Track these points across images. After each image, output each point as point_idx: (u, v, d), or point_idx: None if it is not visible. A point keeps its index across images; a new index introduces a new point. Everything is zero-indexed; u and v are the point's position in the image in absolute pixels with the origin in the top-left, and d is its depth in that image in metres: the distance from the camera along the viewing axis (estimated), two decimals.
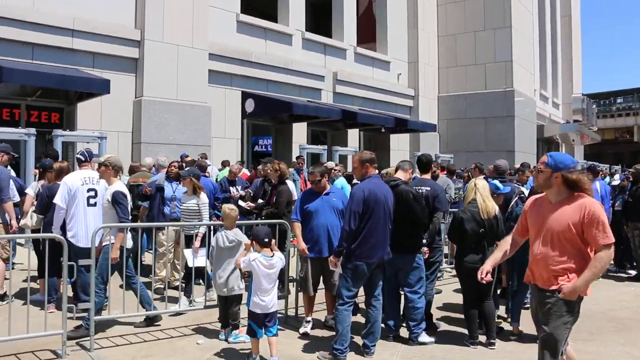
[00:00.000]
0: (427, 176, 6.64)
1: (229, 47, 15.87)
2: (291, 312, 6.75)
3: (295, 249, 6.45)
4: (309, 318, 6.23)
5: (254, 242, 5.16)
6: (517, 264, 5.92)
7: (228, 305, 5.84)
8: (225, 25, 16.09)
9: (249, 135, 17.30)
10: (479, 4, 23.74)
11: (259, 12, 17.97)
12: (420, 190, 6.19)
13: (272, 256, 5.14)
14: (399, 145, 22.01)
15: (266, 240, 5.12)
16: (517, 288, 6.19)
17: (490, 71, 23.35)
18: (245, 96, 16.18)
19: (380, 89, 21.26)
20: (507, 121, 22.88)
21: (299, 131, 17.88)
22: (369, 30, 22.90)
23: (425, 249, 5.97)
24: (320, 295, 6.46)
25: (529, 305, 7.40)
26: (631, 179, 10.16)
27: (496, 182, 6.63)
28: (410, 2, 23.33)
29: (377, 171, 5.68)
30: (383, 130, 19.06)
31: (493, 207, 5.69)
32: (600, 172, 11.97)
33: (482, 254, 5.57)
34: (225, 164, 12.75)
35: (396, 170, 6.14)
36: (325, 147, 15.38)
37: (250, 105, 15.95)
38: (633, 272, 9.67)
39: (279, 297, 5.58)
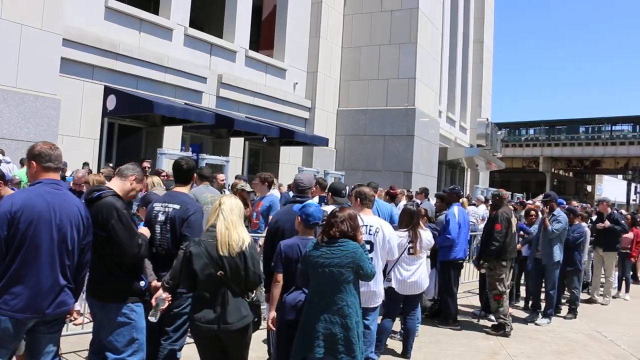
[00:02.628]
0: (185, 189, 4.83)
1: (91, 34, 13.91)
2: None
3: None
4: None
5: None
6: None
7: None
8: (90, 10, 14.12)
9: (113, 136, 15.34)
10: (386, 18, 22.69)
11: (136, 1, 16.13)
12: (166, 209, 4.54)
13: None
14: (290, 159, 20.51)
15: None
16: None
17: (393, 87, 22.27)
18: (108, 92, 14.25)
19: (272, 97, 19.72)
20: (406, 140, 21.81)
21: (173, 136, 16.07)
22: (271, 36, 21.48)
23: (164, 295, 4.18)
24: None
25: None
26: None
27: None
28: (314, 9, 22.00)
29: (58, 174, 3.75)
30: (265, 140, 17.49)
31: (239, 240, 3.88)
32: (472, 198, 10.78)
33: (221, 308, 3.84)
34: (23, 162, 10.55)
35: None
36: (190, 152, 13.66)
37: (111, 102, 14.01)
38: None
39: None
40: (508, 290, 8.15)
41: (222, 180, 9.84)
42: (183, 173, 4.81)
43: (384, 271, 6.00)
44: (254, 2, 19.60)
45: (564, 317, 9.34)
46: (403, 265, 6.06)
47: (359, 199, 5.48)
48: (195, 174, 5.03)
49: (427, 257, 7.37)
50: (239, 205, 4.06)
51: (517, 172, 69.48)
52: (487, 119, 33.59)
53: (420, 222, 6.45)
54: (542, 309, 8.95)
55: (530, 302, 9.36)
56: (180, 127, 16.11)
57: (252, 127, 16.61)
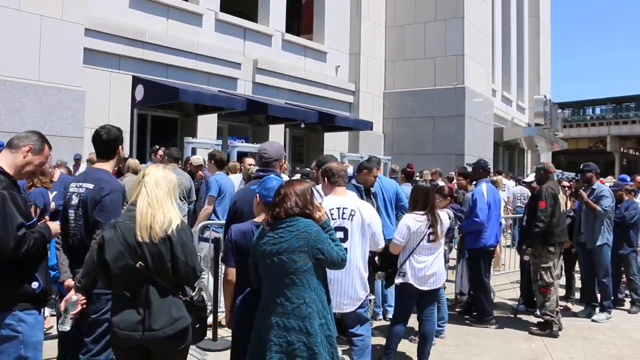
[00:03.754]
0: (106, 166, 3.89)
1: (116, 23, 13.43)
2: None
3: None
4: None
5: None
6: None
7: None
8: None
9: (146, 128, 14.89)
10: None
11: None
12: (79, 190, 3.70)
13: None
14: (335, 145, 19.60)
15: None
16: None
17: (440, 66, 21.09)
18: (137, 82, 13.77)
19: (313, 81, 18.91)
20: (457, 121, 20.63)
21: (207, 125, 15.46)
22: (311, 22, 20.67)
23: (75, 296, 3.32)
24: None
25: None
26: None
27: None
28: None
29: None
30: (302, 125, 16.68)
31: (163, 221, 3.01)
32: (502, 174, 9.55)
33: (145, 309, 3.00)
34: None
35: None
36: (220, 142, 12.93)
37: (139, 92, 13.53)
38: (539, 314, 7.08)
39: None
40: (557, 281, 6.98)
41: (250, 165, 8.94)
42: (103, 145, 3.91)
43: (394, 263, 5.10)
44: None
45: (628, 311, 7.99)
46: (421, 255, 5.02)
47: (325, 178, 4.52)
48: (117, 148, 4.08)
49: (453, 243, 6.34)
50: (169, 178, 3.18)
51: (583, 154, 66.13)
52: (545, 96, 31.78)
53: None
54: (599, 302, 7.67)
55: (581, 296, 8.13)
56: (215, 115, 15.52)
57: (288, 112, 15.85)
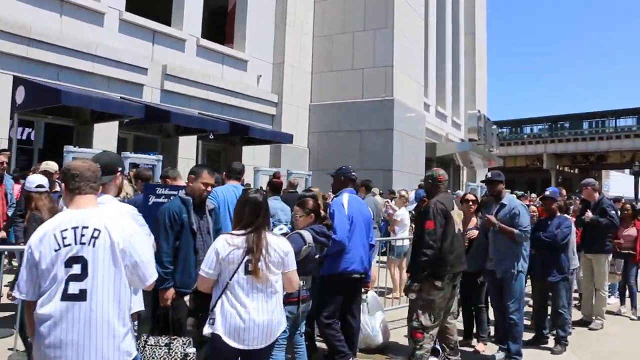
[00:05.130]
0: None
1: None
2: None
3: None
4: None
5: None
6: None
7: None
8: None
9: (39, 137, 13.32)
10: (360, 1, 20.65)
11: None
12: None
13: None
14: (255, 161, 18.26)
15: None
16: None
17: (369, 77, 20.17)
18: (19, 83, 12.23)
19: (231, 91, 17.65)
20: (385, 135, 19.67)
21: (107, 135, 13.97)
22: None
23: None
24: None
25: None
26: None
27: None
28: None
29: None
30: (211, 136, 15.37)
31: None
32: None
33: None
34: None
35: None
36: (103, 150, 11.48)
37: (20, 94, 12.02)
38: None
39: None
40: (454, 323, 5.63)
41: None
42: None
43: (205, 304, 3.73)
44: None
45: (551, 351, 6.75)
46: (237, 295, 3.51)
47: (63, 183, 2.96)
48: None
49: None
50: None
51: (522, 172, 67.03)
52: (479, 111, 31.34)
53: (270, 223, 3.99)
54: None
55: (494, 334, 6.83)
56: (115, 124, 14.04)
57: (196, 122, 14.49)
